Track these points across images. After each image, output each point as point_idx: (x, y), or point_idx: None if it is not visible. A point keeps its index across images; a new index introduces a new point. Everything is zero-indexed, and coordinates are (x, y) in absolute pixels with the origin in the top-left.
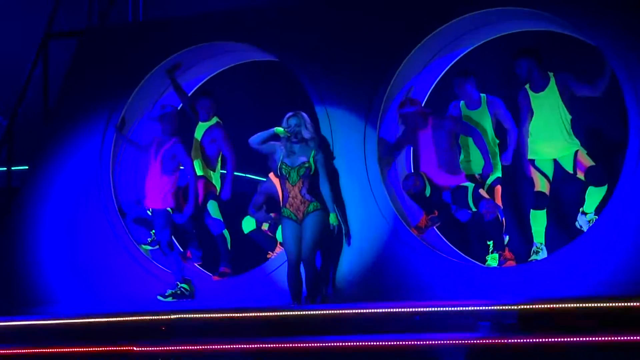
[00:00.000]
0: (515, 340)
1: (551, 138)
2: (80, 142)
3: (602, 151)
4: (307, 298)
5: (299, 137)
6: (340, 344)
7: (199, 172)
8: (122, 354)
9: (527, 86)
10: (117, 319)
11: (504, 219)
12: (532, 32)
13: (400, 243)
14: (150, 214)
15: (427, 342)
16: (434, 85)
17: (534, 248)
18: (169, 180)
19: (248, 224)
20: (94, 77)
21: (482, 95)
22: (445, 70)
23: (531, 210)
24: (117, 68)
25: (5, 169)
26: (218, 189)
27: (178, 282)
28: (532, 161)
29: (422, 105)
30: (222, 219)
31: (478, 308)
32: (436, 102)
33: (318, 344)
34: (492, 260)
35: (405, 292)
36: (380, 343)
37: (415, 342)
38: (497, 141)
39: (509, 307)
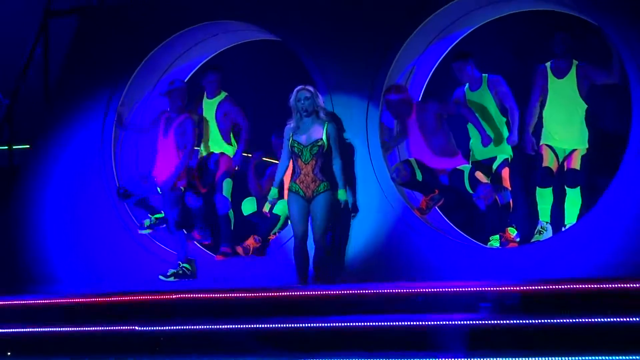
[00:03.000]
0: (517, 322)
1: (566, 127)
2: (82, 120)
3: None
4: (314, 278)
5: (309, 111)
6: (342, 324)
7: (217, 150)
8: (123, 334)
9: (547, 65)
10: (119, 298)
11: (510, 201)
12: (533, 13)
13: (404, 225)
14: (160, 191)
15: (429, 323)
16: (436, 66)
17: (538, 227)
18: (182, 158)
19: (248, 207)
20: (96, 55)
21: (484, 75)
22: (447, 51)
23: (537, 188)
24: (119, 46)
25: (7, 147)
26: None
27: (180, 262)
28: (547, 144)
29: (423, 89)
30: (230, 199)
31: (480, 289)
32: (439, 83)
33: (319, 325)
34: (495, 241)
35: (410, 274)
36: (382, 324)
37: (417, 323)
38: (504, 119)
39: (511, 288)
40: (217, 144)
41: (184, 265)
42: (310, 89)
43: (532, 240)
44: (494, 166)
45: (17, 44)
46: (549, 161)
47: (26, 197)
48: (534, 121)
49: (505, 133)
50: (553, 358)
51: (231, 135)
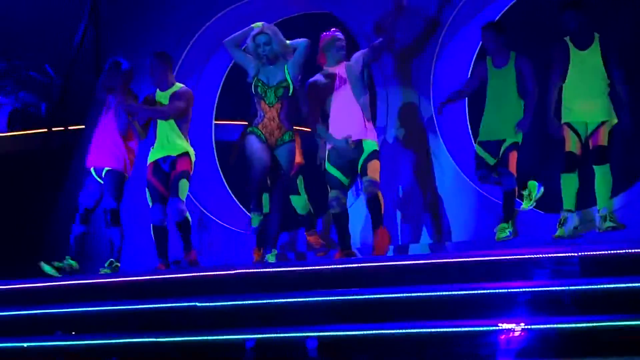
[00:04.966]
0: (575, 287)
1: (588, 99)
2: None
3: None
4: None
5: (271, 57)
6: (397, 295)
7: (174, 152)
8: (185, 310)
9: (567, 39)
10: (180, 275)
11: (516, 188)
12: None
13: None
14: (99, 176)
15: (485, 292)
16: None
17: (560, 217)
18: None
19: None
20: (147, 32)
21: (512, 52)
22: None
23: (561, 174)
24: (170, 24)
25: (62, 128)
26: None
27: (113, 260)
28: (567, 123)
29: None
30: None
31: (537, 256)
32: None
33: (374, 296)
34: (501, 232)
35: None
36: (439, 294)
37: (474, 292)
38: (522, 102)
39: (569, 254)
40: (173, 144)
41: (117, 264)
42: (268, 31)
43: (555, 235)
44: (502, 148)
45: (68, 24)
46: (571, 145)
47: (81, 177)
48: (554, 99)
49: (520, 115)
50: (615, 323)
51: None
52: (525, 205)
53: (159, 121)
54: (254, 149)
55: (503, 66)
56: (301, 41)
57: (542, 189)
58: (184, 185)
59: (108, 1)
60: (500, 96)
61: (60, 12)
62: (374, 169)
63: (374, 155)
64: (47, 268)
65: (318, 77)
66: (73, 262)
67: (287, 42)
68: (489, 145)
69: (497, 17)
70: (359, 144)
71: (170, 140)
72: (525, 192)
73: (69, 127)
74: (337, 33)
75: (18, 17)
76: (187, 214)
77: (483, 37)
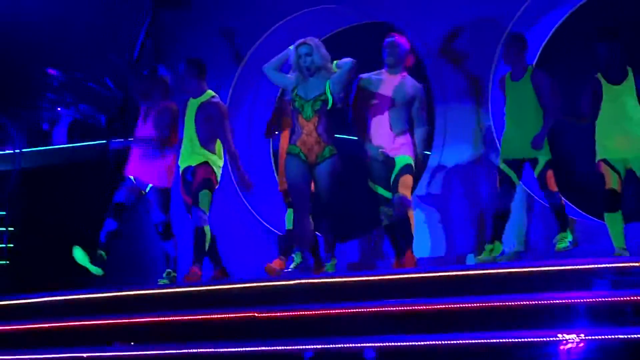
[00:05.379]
0: (637, 298)
1: (624, 134)
2: None
3: None
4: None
5: (312, 69)
6: (456, 305)
7: (194, 162)
8: (244, 320)
9: (599, 75)
10: (239, 285)
11: (563, 200)
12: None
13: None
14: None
15: (545, 302)
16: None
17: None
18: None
19: None
20: (205, 44)
21: (530, 66)
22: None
23: (605, 214)
24: (222, 39)
25: (122, 140)
26: (218, 176)
27: (170, 270)
28: (604, 160)
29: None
30: (206, 213)
31: (598, 266)
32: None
33: (433, 307)
34: (560, 242)
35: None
36: (497, 304)
37: (533, 302)
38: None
39: (631, 264)
40: (193, 154)
41: (174, 274)
42: (311, 42)
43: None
44: (537, 171)
45: (128, 36)
46: (611, 182)
47: None
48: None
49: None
50: None
51: (217, 143)
52: (481, 257)
53: (184, 129)
54: (292, 176)
55: (520, 79)
56: (346, 61)
57: (502, 255)
58: (204, 196)
59: (167, 13)
60: (518, 111)
61: (120, 24)
62: (405, 185)
63: (406, 169)
64: (78, 253)
65: (370, 75)
66: (103, 252)
67: (335, 62)
68: (513, 163)
69: (553, 29)
70: (390, 159)
71: (190, 151)
72: (488, 247)
73: (129, 139)
74: (393, 38)
75: (77, 28)
76: (208, 228)
77: (506, 46)
